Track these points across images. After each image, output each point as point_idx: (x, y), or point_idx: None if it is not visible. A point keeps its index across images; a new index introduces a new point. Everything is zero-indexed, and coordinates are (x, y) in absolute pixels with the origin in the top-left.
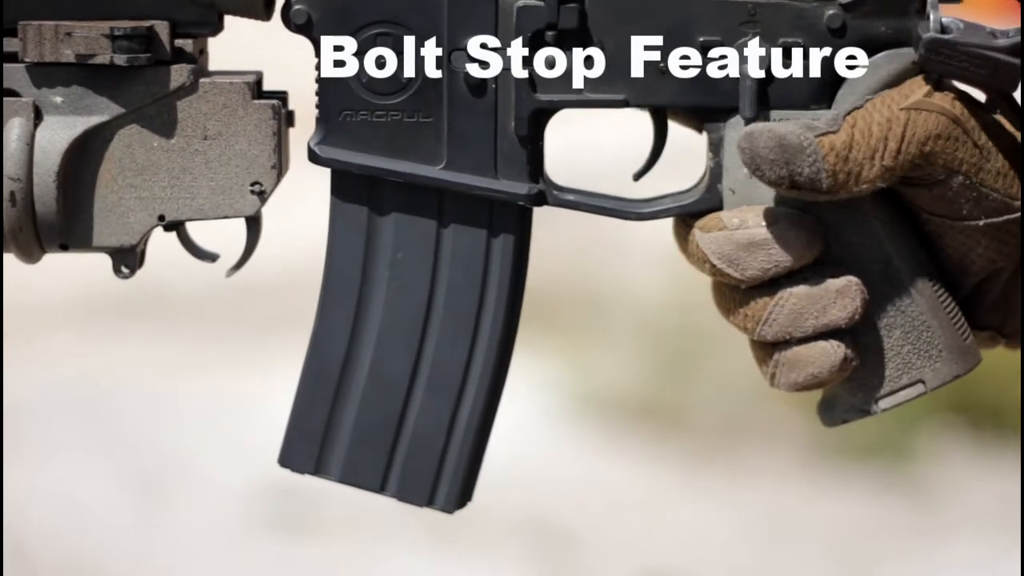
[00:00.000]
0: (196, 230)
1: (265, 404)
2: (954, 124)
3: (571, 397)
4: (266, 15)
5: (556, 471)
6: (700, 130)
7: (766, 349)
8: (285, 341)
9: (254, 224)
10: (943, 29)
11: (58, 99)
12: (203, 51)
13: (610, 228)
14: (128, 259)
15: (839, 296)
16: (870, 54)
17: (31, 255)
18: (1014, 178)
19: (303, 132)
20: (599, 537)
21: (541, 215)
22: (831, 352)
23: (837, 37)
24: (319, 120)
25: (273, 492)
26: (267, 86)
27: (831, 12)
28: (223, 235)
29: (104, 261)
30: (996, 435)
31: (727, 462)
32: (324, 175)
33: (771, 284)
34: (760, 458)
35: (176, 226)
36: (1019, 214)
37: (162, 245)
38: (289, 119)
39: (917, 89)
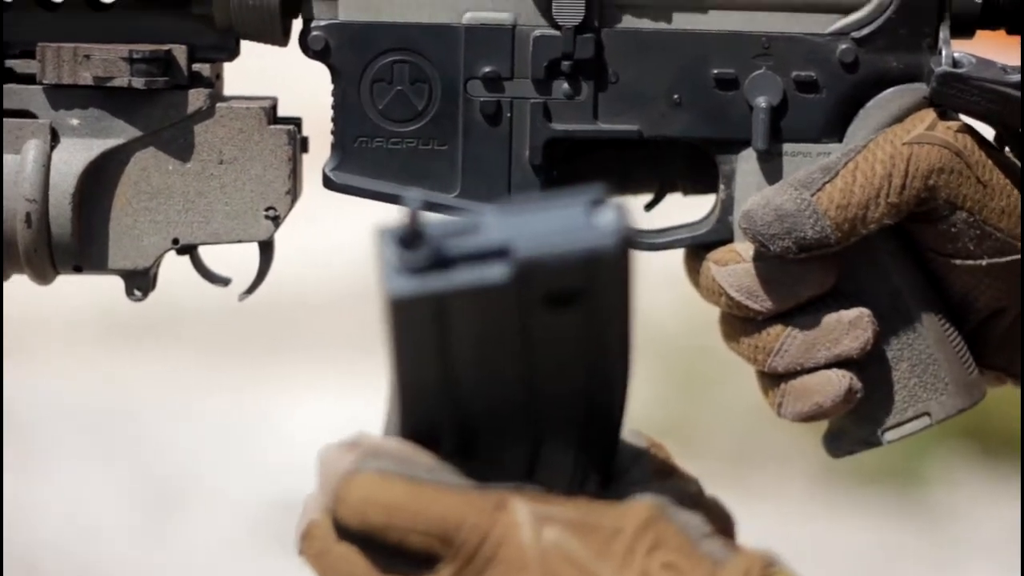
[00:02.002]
0: (208, 251)
1: (276, 421)
2: (957, 158)
3: None
4: (284, 41)
5: None
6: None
7: (773, 379)
8: (296, 358)
9: (267, 248)
10: (955, 64)
11: (75, 121)
12: (219, 75)
13: None
14: (141, 282)
15: (851, 327)
16: (881, 89)
17: (45, 276)
18: (1019, 217)
19: (317, 153)
20: None
21: None
22: (837, 382)
23: (850, 71)
24: (334, 146)
25: (282, 508)
26: (282, 111)
27: (844, 46)
28: (235, 257)
29: (118, 280)
30: (1007, 461)
31: (737, 486)
32: (341, 197)
33: (783, 315)
34: (770, 482)
35: (189, 249)
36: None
37: (176, 262)
38: (303, 145)
39: (919, 123)
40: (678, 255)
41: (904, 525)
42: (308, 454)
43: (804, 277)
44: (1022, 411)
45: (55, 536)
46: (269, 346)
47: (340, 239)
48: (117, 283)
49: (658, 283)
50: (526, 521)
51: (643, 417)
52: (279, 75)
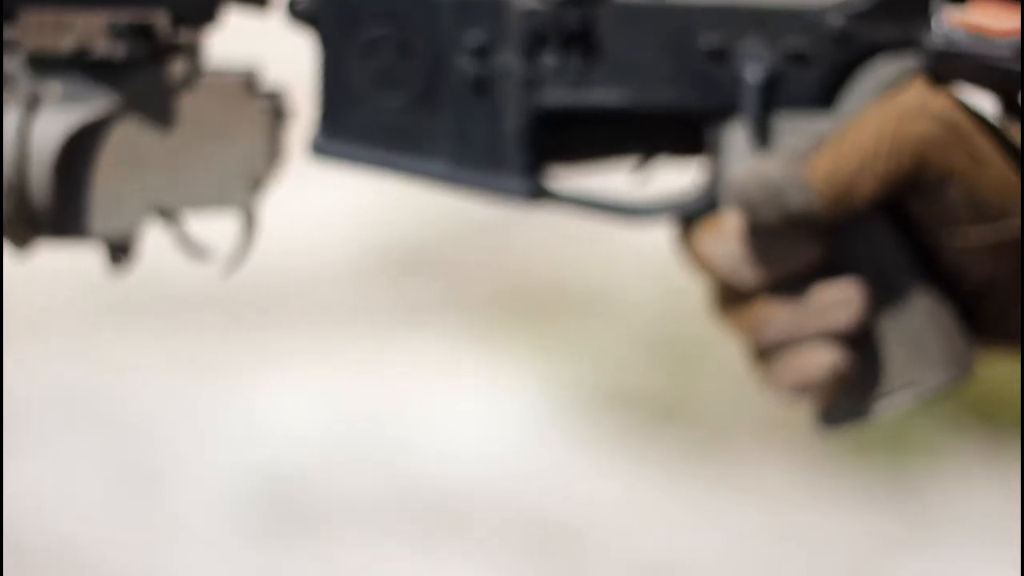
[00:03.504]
0: (192, 232)
1: (262, 404)
2: (946, 129)
3: (567, 396)
4: (263, 2)
5: (556, 470)
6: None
7: (762, 354)
8: (286, 343)
9: (249, 221)
10: (948, 37)
11: (56, 89)
12: (201, 45)
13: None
14: (120, 251)
15: (841, 300)
16: (873, 60)
17: (24, 242)
18: (1012, 190)
19: (302, 134)
20: (597, 536)
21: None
22: (828, 356)
23: (840, 42)
24: (321, 114)
25: (272, 494)
26: (266, 82)
27: (835, 17)
28: (220, 238)
29: (102, 259)
30: (994, 449)
31: (726, 460)
32: (327, 176)
33: (772, 288)
34: (759, 456)
35: (171, 219)
36: (1018, 232)
37: (160, 243)
38: (288, 113)
39: (909, 95)
40: (663, 225)
41: (893, 494)
42: (294, 433)
43: (794, 249)
44: (1022, 402)
45: (40, 514)
46: (255, 326)
47: (322, 218)
48: (99, 267)
49: (643, 254)
50: None
51: (628, 387)
52: (264, 43)
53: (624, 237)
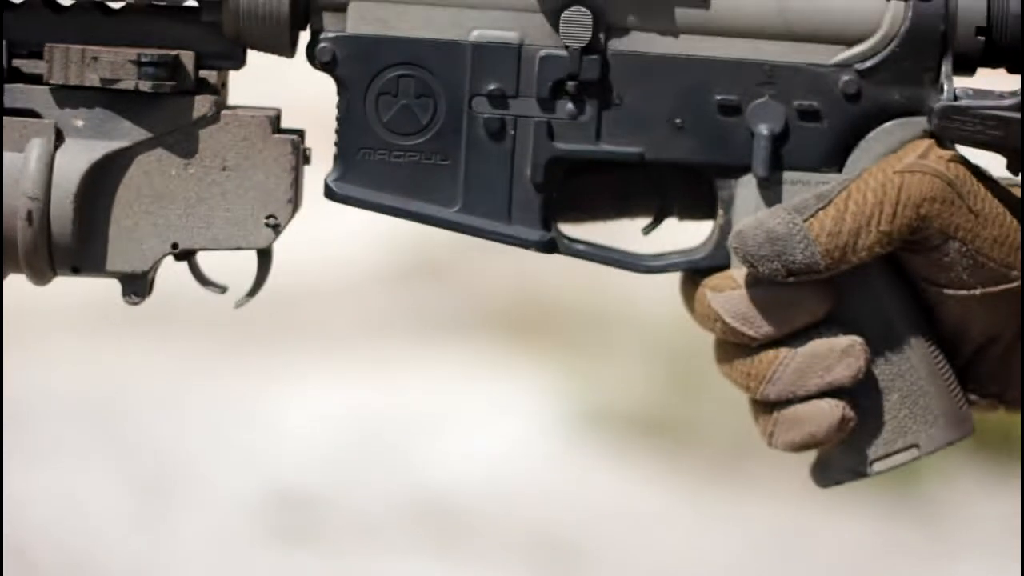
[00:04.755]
0: (206, 255)
1: (272, 413)
2: (948, 187)
3: (579, 411)
4: (290, 52)
5: (563, 485)
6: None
7: (765, 408)
8: (293, 349)
9: (265, 257)
10: (955, 97)
11: (80, 122)
12: (225, 84)
13: (621, 243)
14: (138, 286)
15: (844, 355)
16: (883, 121)
17: (42, 276)
18: (1011, 247)
19: (320, 150)
20: (605, 552)
21: None
22: (830, 411)
23: (852, 102)
24: (337, 157)
25: (278, 500)
26: (285, 122)
27: (847, 78)
28: (233, 261)
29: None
30: (1004, 458)
31: (735, 479)
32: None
33: (777, 342)
34: (768, 475)
35: (188, 256)
36: (1017, 283)
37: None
38: (306, 157)
39: (912, 152)
40: (679, 243)
41: (900, 520)
42: (304, 444)
43: (798, 304)
44: (1022, 412)
45: (48, 525)
46: (265, 336)
47: (336, 229)
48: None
49: (656, 277)
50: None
51: (640, 410)
52: (282, 86)
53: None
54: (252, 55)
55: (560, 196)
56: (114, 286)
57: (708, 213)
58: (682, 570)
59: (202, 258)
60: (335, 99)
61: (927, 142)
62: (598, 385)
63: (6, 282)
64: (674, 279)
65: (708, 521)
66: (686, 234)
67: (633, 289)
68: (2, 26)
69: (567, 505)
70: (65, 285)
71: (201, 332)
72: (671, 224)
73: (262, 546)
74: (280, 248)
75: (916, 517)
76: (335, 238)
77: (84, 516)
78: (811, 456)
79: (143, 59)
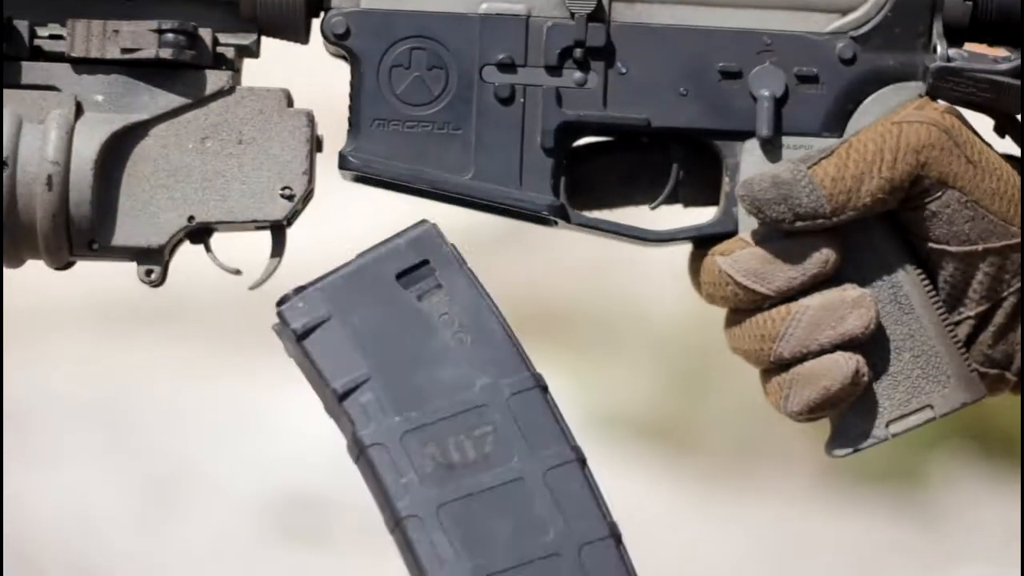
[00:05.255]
0: (220, 246)
1: (278, 414)
2: (945, 135)
3: (584, 414)
4: (305, 37)
5: None
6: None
7: (779, 370)
8: None
9: (279, 235)
10: (949, 59)
11: (99, 96)
12: (239, 69)
13: (623, 247)
14: (155, 261)
15: (855, 306)
16: (879, 86)
17: (59, 253)
18: (1011, 202)
19: (325, 151)
20: None
21: (555, 231)
22: (844, 363)
23: (848, 67)
24: (350, 129)
25: (283, 502)
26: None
27: (843, 44)
28: (247, 250)
29: (122, 267)
30: (1007, 462)
31: (739, 482)
32: (340, 190)
33: (787, 299)
34: (772, 479)
35: (203, 234)
36: (1018, 240)
37: (179, 253)
38: (318, 144)
39: (909, 106)
40: (681, 253)
41: (904, 523)
42: (310, 447)
43: (807, 256)
44: (1022, 413)
45: (52, 527)
46: (271, 338)
47: (343, 231)
48: (118, 271)
49: (662, 279)
50: None
51: (645, 413)
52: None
53: (650, 263)
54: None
55: (569, 181)
56: (120, 286)
57: (712, 197)
58: (687, 572)
59: (216, 244)
60: (335, 106)
61: (922, 99)
62: (603, 388)
63: (12, 283)
64: (678, 278)
65: (712, 523)
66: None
67: (638, 293)
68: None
69: None
70: (71, 286)
71: (206, 334)
72: (677, 212)
73: (268, 547)
74: (287, 251)
75: (919, 520)
76: (341, 240)
77: (89, 518)
78: (816, 456)
79: (163, 27)
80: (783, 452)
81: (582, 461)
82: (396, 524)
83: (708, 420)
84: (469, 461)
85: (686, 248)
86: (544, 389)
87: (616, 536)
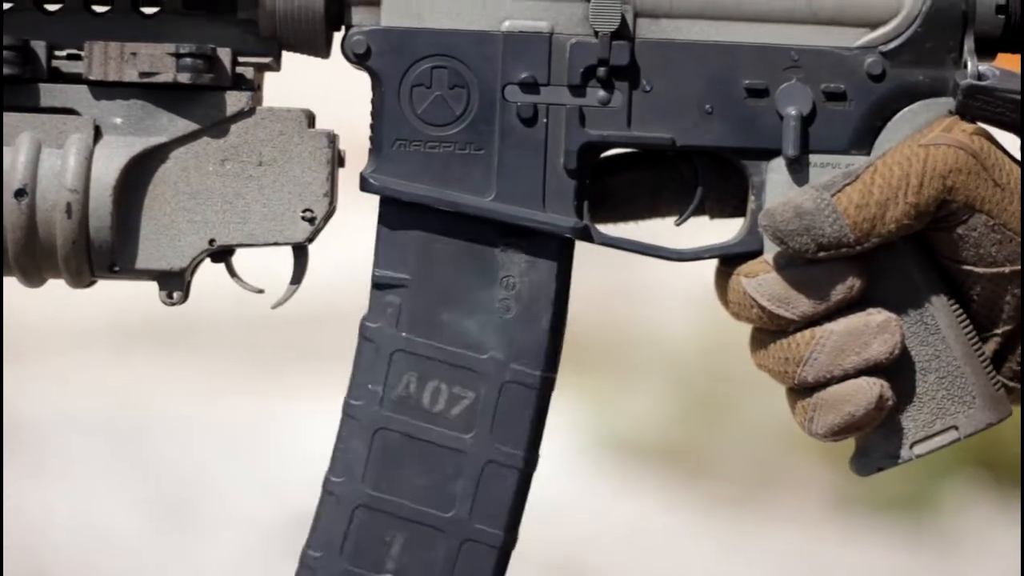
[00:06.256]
0: (241, 264)
1: (291, 435)
2: (973, 159)
3: (598, 439)
4: (326, 52)
5: (581, 513)
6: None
7: (803, 393)
8: (312, 372)
9: (301, 256)
10: (980, 76)
11: (118, 119)
12: (260, 86)
13: (639, 272)
14: (175, 284)
15: (880, 331)
16: (908, 102)
17: (80, 277)
18: None
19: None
20: None
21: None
22: (868, 389)
23: (877, 83)
24: (372, 150)
25: (295, 523)
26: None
27: (871, 59)
28: (267, 269)
29: (137, 287)
30: (1018, 490)
31: (753, 508)
32: (353, 212)
33: (812, 323)
34: (786, 505)
35: (224, 255)
36: None
37: (198, 270)
38: (340, 160)
39: (937, 127)
40: (697, 279)
41: (916, 550)
42: (321, 469)
43: (832, 282)
44: (1022, 439)
45: (66, 546)
46: (284, 358)
47: (357, 252)
48: (133, 291)
49: (675, 305)
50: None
51: (658, 438)
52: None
53: (664, 289)
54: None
55: (594, 194)
56: (135, 306)
57: (738, 208)
58: None
59: (238, 261)
60: (355, 128)
61: (951, 118)
62: (617, 414)
63: (28, 302)
64: (693, 304)
65: (726, 549)
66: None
67: (652, 319)
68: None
69: (586, 532)
70: (85, 306)
71: (220, 354)
72: (703, 223)
73: (278, 567)
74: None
75: (931, 547)
76: (356, 261)
77: (102, 536)
78: (829, 482)
79: (181, 51)
80: (797, 478)
81: (526, 473)
82: (344, 410)
83: (722, 446)
84: (432, 410)
85: (702, 275)
86: (545, 392)
87: (504, 551)
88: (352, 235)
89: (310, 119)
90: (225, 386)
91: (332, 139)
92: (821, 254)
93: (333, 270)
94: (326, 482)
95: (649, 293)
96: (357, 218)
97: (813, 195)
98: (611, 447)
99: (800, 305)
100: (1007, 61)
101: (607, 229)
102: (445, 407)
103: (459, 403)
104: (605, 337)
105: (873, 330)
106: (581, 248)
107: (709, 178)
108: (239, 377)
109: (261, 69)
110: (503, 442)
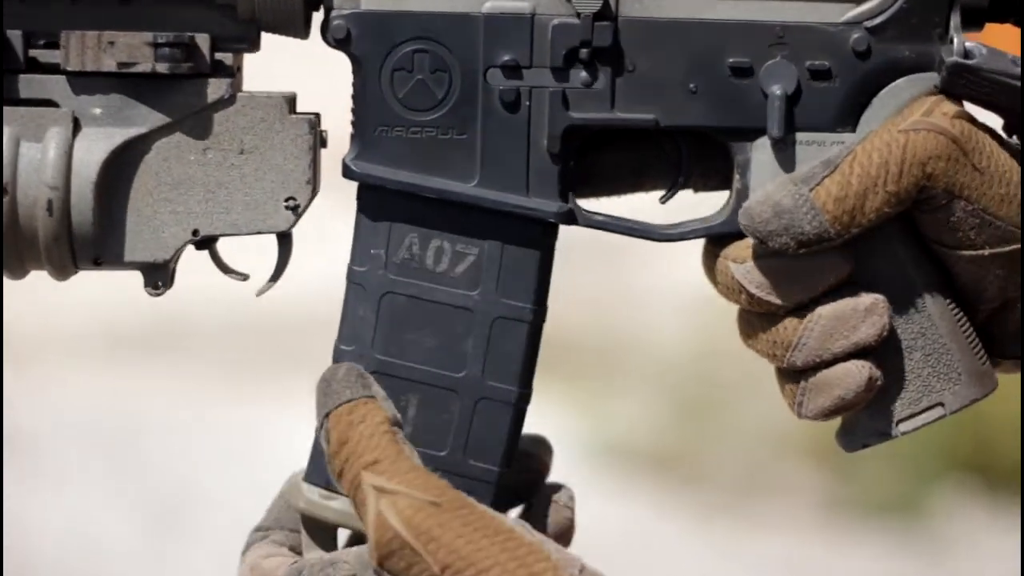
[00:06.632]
0: (226, 253)
1: (283, 440)
2: (953, 144)
3: (588, 446)
4: (305, 33)
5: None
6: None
7: (793, 376)
8: (304, 377)
9: (285, 241)
10: (967, 54)
11: (97, 110)
12: (240, 68)
13: (629, 278)
14: (160, 275)
15: (867, 314)
16: (894, 78)
17: (64, 269)
18: (1020, 205)
19: (328, 168)
20: None
21: (559, 262)
22: (857, 372)
23: (863, 60)
24: (354, 136)
25: None
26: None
27: (857, 35)
28: (252, 260)
29: (128, 294)
30: (1011, 494)
31: (743, 513)
32: (346, 213)
33: (800, 307)
34: (776, 510)
35: (208, 242)
36: None
37: (185, 277)
38: (322, 140)
39: (917, 109)
40: (687, 284)
41: (907, 555)
42: None
43: (820, 267)
44: (1022, 445)
45: (57, 551)
46: (276, 365)
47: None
48: (124, 298)
49: (666, 313)
50: None
51: (649, 445)
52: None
53: (653, 294)
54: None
55: (577, 170)
56: (127, 313)
57: (723, 182)
58: None
59: (223, 251)
60: (338, 104)
61: (933, 98)
62: (607, 419)
63: (20, 309)
64: (684, 310)
65: (716, 555)
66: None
67: (642, 325)
68: (2, 21)
69: (578, 538)
70: (75, 311)
71: (211, 360)
72: (688, 197)
73: None
74: (291, 278)
75: (923, 552)
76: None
77: (94, 542)
78: (819, 488)
79: (159, 41)
80: (788, 484)
81: (535, 326)
82: (348, 277)
83: (712, 452)
84: (436, 270)
85: (692, 281)
86: (548, 245)
87: (519, 406)
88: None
89: (291, 104)
90: (217, 392)
91: (313, 124)
92: (802, 251)
93: (323, 276)
94: (336, 350)
95: (640, 299)
96: (346, 225)
97: (791, 191)
98: (603, 453)
99: (788, 292)
100: (998, 34)
101: (589, 204)
102: (450, 265)
103: (464, 260)
104: (596, 343)
105: (861, 313)
106: (574, 254)
107: (693, 156)
108: (231, 383)
109: (240, 52)
110: (510, 296)
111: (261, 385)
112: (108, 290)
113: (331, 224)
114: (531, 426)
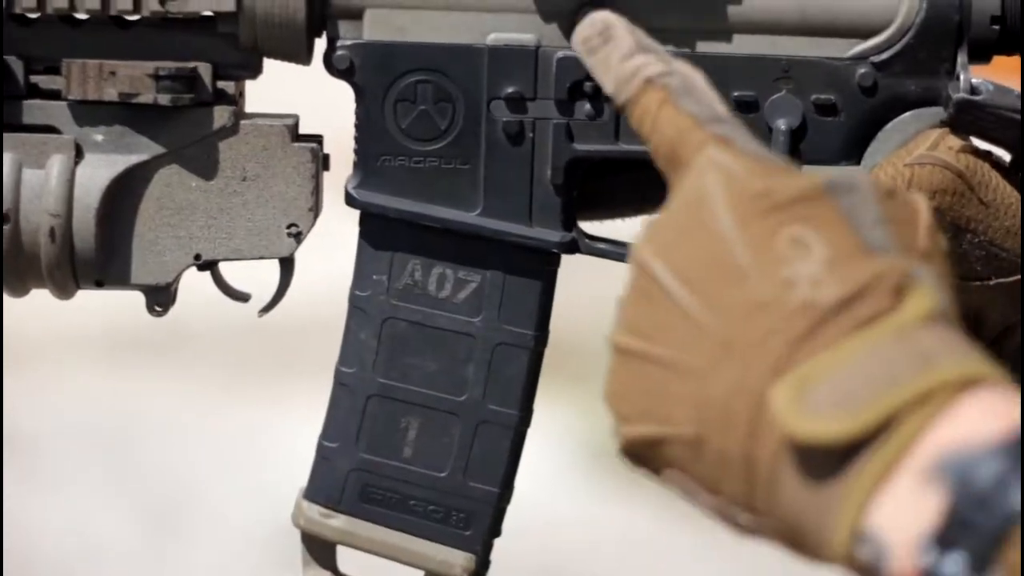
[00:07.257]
0: (229, 267)
1: (282, 443)
2: (959, 179)
3: (589, 449)
4: (307, 60)
5: (571, 520)
6: None
7: None
8: (304, 381)
9: (287, 265)
10: (973, 90)
11: (99, 137)
12: (242, 93)
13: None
14: (162, 297)
15: None
16: (899, 112)
17: (66, 291)
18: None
19: (335, 174)
20: None
21: (562, 268)
22: None
23: (868, 95)
24: (357, 164)
25: (287, 532)
26: (302, 131)
27: (863, 70)
28: (255, 274)
29: (129, 296)
30: None
31: None
32: (346, 218)
33: None
34: None
35: (210, 265)
36: None
37: (185, 282)
38: (325, 162)
39: (922, 143)
40: None
41: None
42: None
43: None
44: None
45: (57, 554)
46: (277, 367)
47: (348, 262)
48: (125, 301)
49: None
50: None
51: None
52: (299, 95)
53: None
54: (271, 68)
55: (578, 198)
56: (126, 315)
57: None
58: None
59: (224, 267)
60: (344, 114)
61: (938, 132)
62: (604, 421)
63: (20, 312)
64: None
65: (717, 555)
66: None
67: None
68: (2, 33)
69: (576, 540)
70: (76, 314)
71: (211, 362)
72: None
73: (270, 574)
74: (293, 278)
75: None
76: (347, 272)
77: (93, 546)
78: None
79: (161, 73)
80: None
81: (537, 352)
82: (350, 300)
83: None
84: (439, 296)
85: None
86: (550, 272)
87: (519, 431)
88: (344, 246)
89: (293, 132)
90: (217, 395)
91: (315, 152)
92: None
93: (324, 281)
94: (337, 372)
95: None
96: (349, 228)
97: None
98: (603, 457)
99: None
100: (1003, 66)
101: (591, 228)
102: (452, 292)
103: (466, 287)
104: (598, 344)
105: None
106: (571, 256)
107: None
108: (231, 387)
109: (242, 79)
110: (512, 323)
111: (262, 388)
112: (109, 293)
113: (334, 227)
114: (534, 427)
